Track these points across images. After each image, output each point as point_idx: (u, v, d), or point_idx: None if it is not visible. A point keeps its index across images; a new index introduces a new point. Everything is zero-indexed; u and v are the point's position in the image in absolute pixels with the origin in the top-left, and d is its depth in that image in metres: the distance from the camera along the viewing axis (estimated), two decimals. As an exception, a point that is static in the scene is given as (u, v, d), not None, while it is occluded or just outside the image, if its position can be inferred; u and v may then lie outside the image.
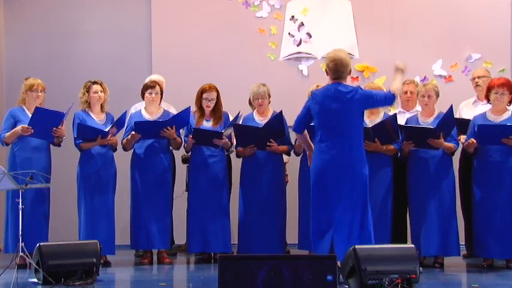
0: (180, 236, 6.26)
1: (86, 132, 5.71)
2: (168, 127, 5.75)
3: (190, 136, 5.85)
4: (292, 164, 6.19)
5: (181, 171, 6.35)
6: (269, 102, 6.03)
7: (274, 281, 3.95)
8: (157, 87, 5.92)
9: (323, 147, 4.90)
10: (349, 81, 5.33)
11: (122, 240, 6.01)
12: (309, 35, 7.21)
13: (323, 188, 4.88)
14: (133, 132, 5.80)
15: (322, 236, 4.88)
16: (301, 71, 7.23)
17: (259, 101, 5.94)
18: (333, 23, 7.21)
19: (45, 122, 5.65)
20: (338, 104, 4.87)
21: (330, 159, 4.86)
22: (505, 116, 5.49)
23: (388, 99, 4.96)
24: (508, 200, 5.41)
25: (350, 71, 5.02)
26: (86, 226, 5.70)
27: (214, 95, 5.90)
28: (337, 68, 4.91)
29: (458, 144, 5.61)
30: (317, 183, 4.92)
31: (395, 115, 5.66)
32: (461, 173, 5.88)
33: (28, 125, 5.62)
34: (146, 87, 5.93)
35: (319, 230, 4.90)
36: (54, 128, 5.68)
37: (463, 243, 5.97)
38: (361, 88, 4.99)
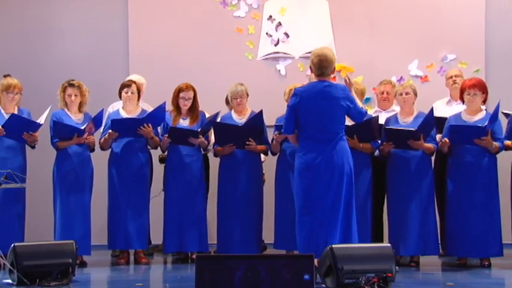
0: (157, 236, 6.23)
1: (62, 131, 5.66)
2: (145, 125, 5.73)
3: (166, 135, 5.83)
4: (268, 163, 6.19)
5: (158, 171, 6.32)
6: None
7: (252, 280, 3.95)
8: (134, 86, 5.89)
9: (309, 144, 4.91)
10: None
11: (98, 240, 5.97)
12: (287, 35, 7.23)
13: (309, 186, 4.89)
14: (110, 131, 5.76)
15: (310, 235, 4.87)
16: (279, 70, 7.24)
17: (238, 100, 5.94)
18: (310, 22, 7.23)
19: (20, 127, 5.60)
20: (325, 101, 4.89)
21: (316, 157, 4.87)
22: (479, 116, 5.54)
23: (362, 115, 5.08)
24: (481, 199, 5.47)
25: (334, 69, 5.04)
26: (62, 226, 5.65)
27: (191, 94, 5.89)
28: (322, 64, 4.93)
29: (437, 145, 5.66)
30: (303, 181, 4.92)
31: (378, 116, 5.70)
32: (436, 172, 5.93)
33: (2, 126, 5.57)
34: (122, 86, 5.91)
35: (305, 229, 4.90)
36: (26, 133, 5.62)
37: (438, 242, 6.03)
38: (347, 89, 5.01)
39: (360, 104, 5.09)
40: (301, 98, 4.94)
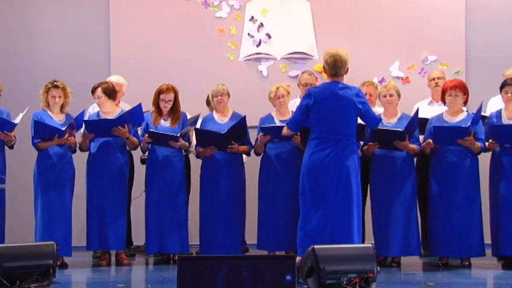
0: (139, 237, 6.21)
1: (43, 131, 5.62)
2: (120, 126, 5.70)
3: (146, 136, 5.81)
4: (251, 164, 6.20)
5: (140, 171, 6.30)
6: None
7: (233, 281, 3.95)
8: (99, 90, 5.82)
9: (318, 143, 4.93)
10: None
11: (79, 242, 5.93)
12: (269, 36, 7.24)
13: (316, 186, 4.91)
14: (85, 131, 5.74)
15: (317, 236, 4.88)
16: (261, 71, 7.25)
17: (219, 98, 5.92)
18: (292, 24, 7.25)
19: None
20: (338, 103, 4.92)
21: (325, 157, 4.89)
22: (461, 117, 5.59)
23: (377, 121, 5.16)
24: (463, 200, 5.51)
25: (348, 69, 5.05)
26: (43, 227, 5.61)
27: (171, 96, 5.87)
28: (336, 64, 4.96)
29: (420, 145, 5.69)
30: (310, 181, 4.94)
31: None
32: (419, 172, 5.96)
33: None
34: (91, 92, 5.86)
35: (311, 230, 4.90)
36: (0, 133, 5.57)
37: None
38: (362, 92, 5.08)
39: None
40: (315, 98, 4.96)
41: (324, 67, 5.07)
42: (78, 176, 5.82)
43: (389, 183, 5.60)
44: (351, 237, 4.89)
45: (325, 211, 4.90)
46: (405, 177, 5.62)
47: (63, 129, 5.61)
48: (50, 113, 5.73)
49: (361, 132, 5.57)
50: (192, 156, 6.26)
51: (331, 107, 4.92)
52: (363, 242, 5.79)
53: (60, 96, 5.70)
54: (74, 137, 5.79)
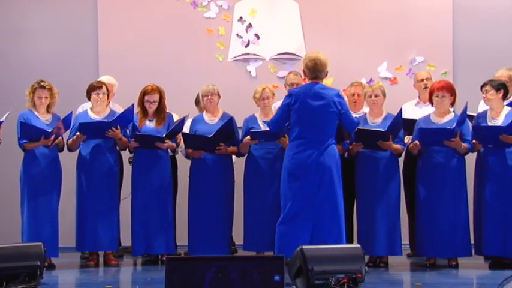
0: (127, 238, 6.19)
1: (28, 132, 5.59)
2: (113, 127, 5.69)
3: (133, 139, 5.80)
4: (241, 164, 6.20)
5: (129, 172, 6.28)
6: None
7: (222, 281, 3.95)
8: (104, 88, 5.85)
9: (299, 144, 4.94)
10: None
11: (66, 242, 5.90)
12: (257, 36, 7.24)
13: (298, 187, 4.92)
14: (78, 133, 5.71)
15: (297, 235, 4.89)
16: (249, 72, 7.25)
17: (209, 97, 5.91)
18: (281, 24, 7.26)
19: None
20: (319, 102, 4.95)
21: (307, 158, 4.90)
22: (448, 118, 5.62)
23: (354, 125, 5.21)
24: (450, 200, 5.55)
25: (327, 73, 5.09)
26: (29, 228, 5.58)
27: (156, 97, 5.85)
28: (316, 68, 5.03)
29: (405, 146, 5.73)
30: (291, 182, 4.95)
31: None
32: (406, 173, 5.99)
33: None
34: (93, 88, 5.84)
35: (289, 231, 4.90)
36: None
37: (407, 242, 6.09)
38: (341, 96, 5.14)
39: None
40: (296, 98, 4.99)
41: (303, 71, 5.11)
42: (64, 176, 5.79)
43: (373, 183, 5.63)
44: (340, 237, 4.90)
45: (308, 212, 4.90)
46: (389, 177, 5.65)
47: (49, 130, 5.58)
48: (36, 113, 5.70)
49: (343, 131, 5.59)
50: (178, 157, 6.25)
51: (312, 107, 4.95)
52: (351, 242, 5.84)
53: (46, 97, 5.68)
54: (62, 138, 5.76)
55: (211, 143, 5.76)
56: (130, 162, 6.24)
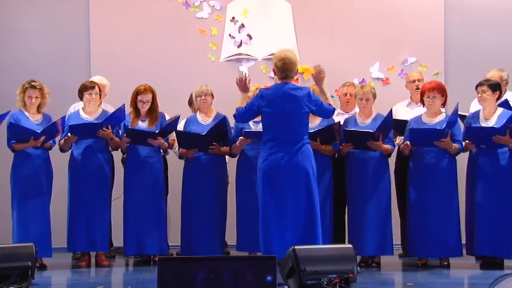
0: (119, 238, 6.18)
1: (18, 133, 5.57)
2: (104, 128, 5.67)
3: (125, 135, 5.79)
4: (234, 165, 6.20)
5: (121, 172, 6.27)
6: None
7: (214, 282, 3.95)
8: (97, 88, 5.84)
9: (272, 145, 4.93)
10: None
11: (57, 243, 5.88)
12: (250, 37, 7.24)
13: (274, 188, 4.92)
14: (69, 134, 5.69)
15: (273, 237, 4.89)
16: (242, 72, 7.24)
17: (203, 98, 5.92)
18: (273, 24, 7.26)
19: None
20: (291, 103, 4.93)
21: (280, 158, 4.90)
22: (439, 118, 5.64)
23: (330, 112, 5.16)
24: (441, 200, 5.57)
25: (297, 71, 5.08)
26: (20, 228, 5.57)
27: (149, 97, 5.85)
28: (286, 67, 4.99)
29: (394, 146, 5.74)
30: (267, 183, 4.95)
31: (340, 121, 5.75)
32: (398, 173, 6.01)
33: None
34: (86, 88, 5.82)
35: (268, 231, 4.91)
36: None
37: (399, 242, 6.10)
38: (312, 92, 5.08)
39: (328, 99, 5.15)
40: (266, 99, 4.97)
41: (273, 70, 5.09)
42: (56, 177, 5.77)
43: (363, 184, 5.64)
44: (316, 238, 4.89)
45: (285, 213, 4.90)
46: (379, 177, 5.66)
47: (39, 131, 5.55)
48: (26, 113, 5.68)
49: (334, 133, 5.60)
50: (169, 157, 6.24)
51: (283, 108, 4.93)
52: (343, 242, 5.85)
53: (37, 97, 5.66)
54: (54, 141, 5.74)
55: (205, 142, 5.76)
56: (123, 162, 6.23)
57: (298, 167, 4.91)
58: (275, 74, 5.10)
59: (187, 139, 5.82)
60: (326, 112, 5.14)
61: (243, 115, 5.14)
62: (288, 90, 4.97)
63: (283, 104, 4.93)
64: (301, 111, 4.96)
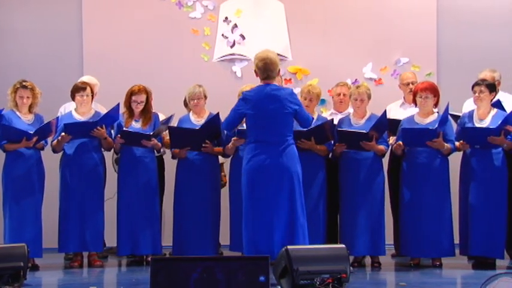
0: (111, 239, 6.16)
1: (9, 134, 5.55)
2: (98, 127, 5.66)
3: (119, 136, 5.78)
4: (226, 165, 6.20)
5: (114, 172, 6.26)
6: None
7: (207, 282, 3.95)
8: (88, 89, 5.82)
9: (256, 147, 4.93)
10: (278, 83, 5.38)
11: (49, 244, 5.86)
12: (243, 37, 7.24)
13: (258, 189, 4.91)
14: (63, 134, 5.68)
15: (257, 237, 4.89)
16: (235, 72, 7.25)
17: (195, 101, 5.92)
18: (266, 24, 7.26)
19: None
20: (273, 104, 4.93)
21: (264, 160, 4.90)
22: (432, 118, 5.65)
23: (309, 122, 5.18)
24: (434, 200, 5.58)
25: (279, 71, 5.08)
26: (12, 229, 5.55)
27: (143, 97, 5.84)
28: (267, 67, 4.98)
29: (388, 146, 5.75)
30: (251, 184, 4.94)
31: (333, 119, 5.76)
32: (391, 173, 6.02)
33: None
34: (77, 89, 5.81)
35: (252, 232, 4.91)
36: None
37: (391, 242, 6.11)
38: (295, 94, 5.09)
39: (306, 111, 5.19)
40: (250, 101, 4.97)
41: (255, 71, 5.09)
42: (47, 176, 5.75)
43: (357, 184, 5.64)
44: (302, 238, 4.89)
45: (269, 214, 4.89)
46: (373, 177, 5.67)
47: (31, 132, 5.53)
48: (18, 113, 5.66)
49: (326, 131, 5.60)
50: (166, 157, 6.23)
51: (267, 110, 4.93)
52: (336, 242, 5.86)
53: (28, 97, 5.64)
54: (46, 142, 5.72)
55: (197, 139, 5.74)
56: (116, 162, 6.22)
57: (282, 168, 4.91)
58: (256, 75, 5.08)
59: (180, 136, 5.80)
60: (305, 119, 5.12)
61: (230, 122, 5.13)
62: (270, 91, 4.97)
63: (266, 105, 4.93)
64: (285, 112, 4.96)
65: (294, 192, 4.92)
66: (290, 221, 4.91)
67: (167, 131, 5.85)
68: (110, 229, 6.04)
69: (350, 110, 6.12)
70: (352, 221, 5.63)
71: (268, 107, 4.92)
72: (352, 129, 5.64)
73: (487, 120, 5.56)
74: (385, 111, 5.68)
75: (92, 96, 5.91)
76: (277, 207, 4.89)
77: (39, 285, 5.09)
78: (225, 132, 5.78)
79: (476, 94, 5.58)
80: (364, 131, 5.54)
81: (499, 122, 5.43)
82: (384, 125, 5.64)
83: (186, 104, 6.23)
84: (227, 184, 6.04)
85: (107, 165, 6.08)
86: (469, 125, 5.59)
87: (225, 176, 6.27)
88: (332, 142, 5.72)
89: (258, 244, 4.88)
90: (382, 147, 5.67)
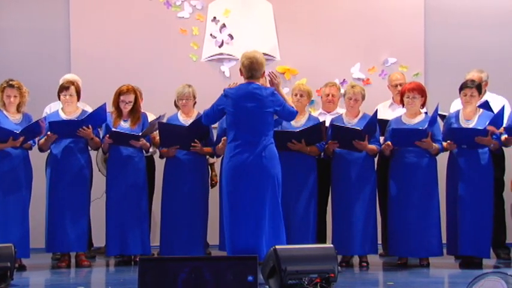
0: (99, 239, 6.15)
1: None
2: (84, 126, 5.64)
3: (107, 136, 5.77)
4: (216, 165, 6.19)
5: (98, 172, 6.24)
6: (195, 103, 6.02)
7: (195, 282, 3.94)
8: (72, 88, 5.78)
9: (236, 146, 4.94)
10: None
11: (36, 244, 5.83)
12: (231, 37, 7.24)
13: (236, 188, 4.92)
14: (49, 133, 5.65)
15: (237, 238, 4.90)
16: (223, 72, 7.25)
17: (184, 101, 5.92)
18: (255, 24, 7.27)
19: None
20: (254, 103, 4.94)
21: (244, 159, 4.90)
22: (419, 119, 5.68)
23: (293, 114, 5.14)
24: (421, 200, 5.60)
25: (263, 73, 5.09)
26: (-1, 229, 5.52)
27: (131, 97, 5.83)
28: (252, 66, 5.00)
29: (380, 146, 5.76)
30: (230, 184, 4.95)
31: (325, 121, 5.77)
32: (379, 173, 6.04)
33: None
34: (61, 89, 5.79)
35: (233, 232, 4.92)
36: None
37: (380, 242, 6.13)
38: (276, 93, 5.07)
39: (290, 103, 5.15)
40: (230, 98, 4.98)
41: (240, 70, 5.09)
42: (35, 176, 5.72)
43: (349, 183, 5.66)
44: (280, 238, 4.90)
45: (247, 215, 4.90)
46: (365, 177, 5.69)
47: (18, 131, 5.50)
48: (5, 112, 5.63)
49: (322, 132, 5.61)
50: (156, 157, 6.22)
51: (247, 108, 4.94)
52: (324, 242, 5.87)
53: (15, 96, 5.61)
54: (34, 142, 5.69)
55: (186, 138, 5.73)
56: (104, 162, 6.21)
57: (262, 169, 4.91)
58: (241, 73, 5.09)
59: (169, 133, 5.78)
60: (289, 114, 5.11)
61: (210, 116, 5.15)
62: (251, 89, 4.98)
63: (246, 103, 4.94)
64: (265, 111, 4.96)
65: (274, 194, 4.93)
66: (271, 220, 4.92)
67: (157, 131, 5.84)
68: (98, 229, 6.03)
69: (339, 110, 6.13)
70: (344, 221, 5.64)
71: (247, 105, 4.94)
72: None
73: (474, 120, 5.59)
74: (376, 110, 5.70)
75: (79, 95, 5.87)
76: (256, 207, 4.90)
77: (27, 285, 5.07)
78: (214, 132, 5.79)
79: (467, 97, 5.60)
80: (358, 128, 5.55)
81: (487, 123, 5.47)
82: (374, 125, 5.65)
83: (176, 104, 6.22)
84: (217, 184, 6.03)
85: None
86: (455, 125, 5.61)
87: (216, 175, 6.26)
88: (324, 142, 5.72)
89: (236, 243, 4.88)
90: (374, 146, 5.69)
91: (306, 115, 5.81)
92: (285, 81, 7.08)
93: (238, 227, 4.91)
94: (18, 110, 5.68)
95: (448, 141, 5.59)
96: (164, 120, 5.93)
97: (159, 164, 6.19)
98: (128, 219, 5.78)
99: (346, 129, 5.59)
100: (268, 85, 5.23)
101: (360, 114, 5.76)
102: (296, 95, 5.76)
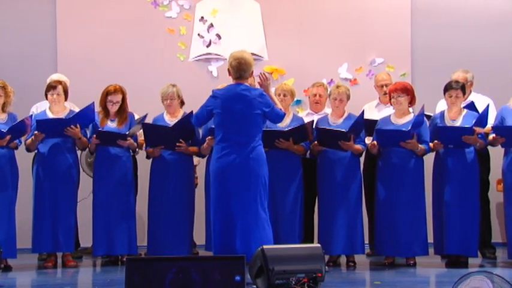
0: (86, 239, 6.12)
1: None
2: (72, 126, 5.62)
3: (94, 136, 5.75)
4: (201, 166, 6.19)
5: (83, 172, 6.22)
6: (182, 103, 6.01)
7: (183, 282, 3.94)
8: (60, 87, 5.76)
9: (224, 147, 4.94)
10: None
11: (22, 244, 5.80)
12: (219, 36, 7.24)
13: (223, 189, 4.92)
14: (36, 132, 5.62)
15: (224, 239, 4.90)
16: (211, 72, 7.25)
17: (168, 101, 5.92)
18: (242, 24, 7.27)
19: None
20: (242, 104, 4.93)
21: (232, 160, 4.90)
22: (407, 119, 5.70)
23: (281, 117, 5.14)
24: (408, 200, 5.62)
25: (252, 72, 5.08)
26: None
27: (119, 97, 5.81)
28: (240, 67, 4.99)
29: (365, 146, 5.79)
30: (217, 184, 4.95)
31: (313, 121, 5.77)
32: (366, 173, 6.06)
33: None
34: (48, 88, 5.76)
35: (221, 232, 4.92)
36: None
37: (367, 242, 6.15)
38: (264, 94, 5.06)
39: (279, 105, 5.16)
40: (219, 99, 4.98)
41: (228, 70, 5.09)
42: (21, 176, 5.69)
43: (335, 183, 5.67)
44: (266, 239, 4.89)
45: (234, 216, 4.90)
46: (350, 176, 5.70)
47: (4, 130, 5.47)
48: (-9, 112, 5.61)
49: (308, 132, 5.62)
50: (139, 157, 6.20)
51: (235, 109, 4.94)
52: (312, 242, 5.88)
53: (0, 95, 5.58)
54: (20, 141, 5.66)
55: (171, 138, 5.72)
56: (89, 164, 6.19)
57: (249, 170, 4.90)
58: (229, 74, 5.08)
59: (154, 133, 5.77)
60: (276, 115, 5.10)
61: (199, 117, 5.14)
62: (240, 91, 4.97)
63: (234, 104, 4.94)
64: (253, 113, 4.95)
65: (260, 195, 4.93)
66: (255, 221, 4.92)
67: (141, 130, 5.83)
68: (85, 229, 6.00)
69: (326, 110, 6.15)
70: (330, 220, 5.65)
71: (236, 106, 4.93)
72: (330, 127, 5.66)
73: (459, 120, 5.63)
74: (362, 111, 5.72)
75: (66, 95, 5.84)
76: (242, 208, 4.89)
77: (13, 286, 5.04)
78: (200, 131, 5.78)
79: (452, 98, 5.63)
80: (343, 130, 5.56)
81: (473, 122, 5.50)
82: (360, 125, 5.67)
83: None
84: (203, 184, 6.02)
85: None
86: (441, 125, 5.64)
87: (196, 177, 6.26)
88: (309, 142, 5.74)
89: (222, 244, 4.88)
90: (359, 146, 5.71)
91: (291, 115, 5.82)
92: (272, 81, 7.07)
93: (225, 228, 4.91)
94: (3, 109, 5.65)
95: (435, 141, 5.61)
96: (148, 120, 5.92)
97: (143, 164, 6.17)
98: (114, 219, 5.77)
99: (331, 131, 5.61)
100: (257, 85, 5.23)
101: (346, 114, 5.78)
102: (279, 94, 5.77)
